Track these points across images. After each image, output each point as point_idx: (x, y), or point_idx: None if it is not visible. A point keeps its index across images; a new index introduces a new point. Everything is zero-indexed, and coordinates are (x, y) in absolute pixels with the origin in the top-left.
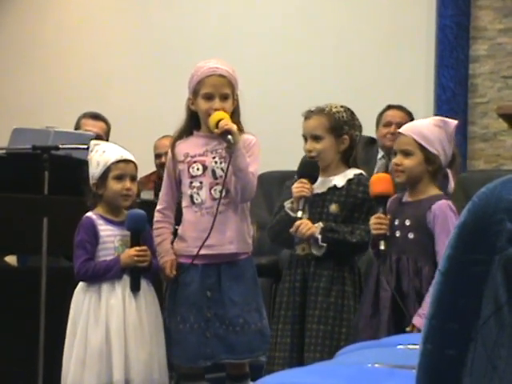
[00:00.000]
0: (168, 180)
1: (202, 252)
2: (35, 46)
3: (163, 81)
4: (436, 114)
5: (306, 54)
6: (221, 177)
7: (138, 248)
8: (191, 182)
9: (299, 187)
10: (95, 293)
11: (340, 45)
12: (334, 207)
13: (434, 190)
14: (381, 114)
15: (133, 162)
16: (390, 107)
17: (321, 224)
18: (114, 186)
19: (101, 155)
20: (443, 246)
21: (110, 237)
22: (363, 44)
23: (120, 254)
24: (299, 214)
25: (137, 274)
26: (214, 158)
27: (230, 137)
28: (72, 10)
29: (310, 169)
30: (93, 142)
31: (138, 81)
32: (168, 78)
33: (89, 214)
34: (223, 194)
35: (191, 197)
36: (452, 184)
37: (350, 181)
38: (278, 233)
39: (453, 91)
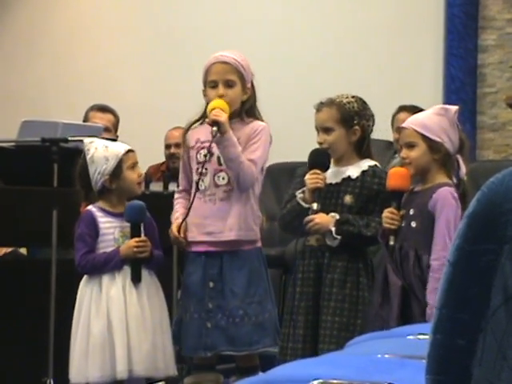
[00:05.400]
0: (183, 167)
1: (203, 239)
2: (44, 38)
3: (172, 72)
4: (444, 104)
5: (312, 44)
6: None
7: (137, 239)
8: (198, 168)
9: (313, 178)
10: (96, 285)
11: (347, 35)
12: (348, 198)
13: (441, 178)
14: (393, 116)
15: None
16: (401, 109)
17: (336, 216)
18: (130, 175)
19: (105, 150)
20: (439, 233)
21: (110, 229)
22: (371, 34)
23: (120, 245)
24: (315, 206)
25: (137, 265)
26: None
27: (214, 128)
28: (81, 2)
29: (321, 158)
30: (86, 142)
31: (146, 72)
32: (177, 70)
33: (89, 207)
34: (225, 181)
35: (197, 183)
36: (463, 169)
37: (364, 172)
38: (288, 222)
39: (461, 81)
